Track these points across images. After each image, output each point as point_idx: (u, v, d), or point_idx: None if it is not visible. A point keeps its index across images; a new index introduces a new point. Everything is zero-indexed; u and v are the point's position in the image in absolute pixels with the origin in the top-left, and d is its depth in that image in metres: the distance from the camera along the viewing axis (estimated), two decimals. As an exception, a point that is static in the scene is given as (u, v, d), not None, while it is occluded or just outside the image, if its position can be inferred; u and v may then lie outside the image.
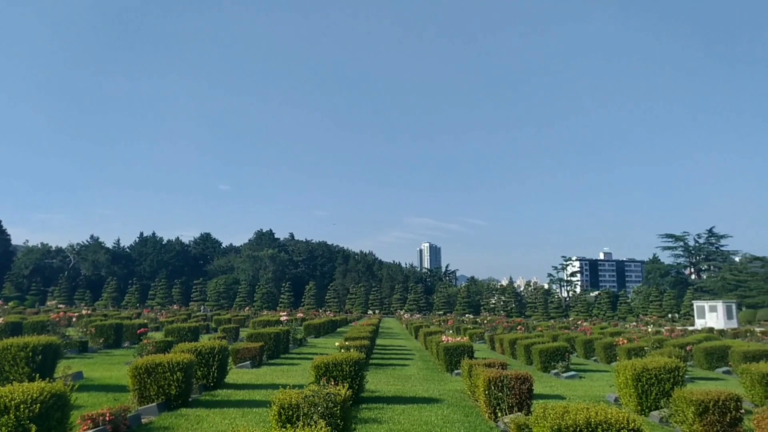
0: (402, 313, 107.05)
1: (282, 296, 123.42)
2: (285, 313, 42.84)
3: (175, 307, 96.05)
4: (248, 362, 19.89)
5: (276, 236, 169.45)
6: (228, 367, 15.97)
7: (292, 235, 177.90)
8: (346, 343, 19.49)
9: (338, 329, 50.72)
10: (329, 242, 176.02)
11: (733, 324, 66.74)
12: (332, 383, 10.64)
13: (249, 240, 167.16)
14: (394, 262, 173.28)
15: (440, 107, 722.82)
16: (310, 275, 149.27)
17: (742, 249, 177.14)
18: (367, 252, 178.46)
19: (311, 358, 13.52)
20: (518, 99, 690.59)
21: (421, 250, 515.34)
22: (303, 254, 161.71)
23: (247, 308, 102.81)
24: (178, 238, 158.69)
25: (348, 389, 9.10)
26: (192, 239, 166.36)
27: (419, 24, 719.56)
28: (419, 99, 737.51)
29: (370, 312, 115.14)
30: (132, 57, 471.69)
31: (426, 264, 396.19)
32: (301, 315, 50.15)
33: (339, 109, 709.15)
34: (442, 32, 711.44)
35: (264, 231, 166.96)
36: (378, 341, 36.39)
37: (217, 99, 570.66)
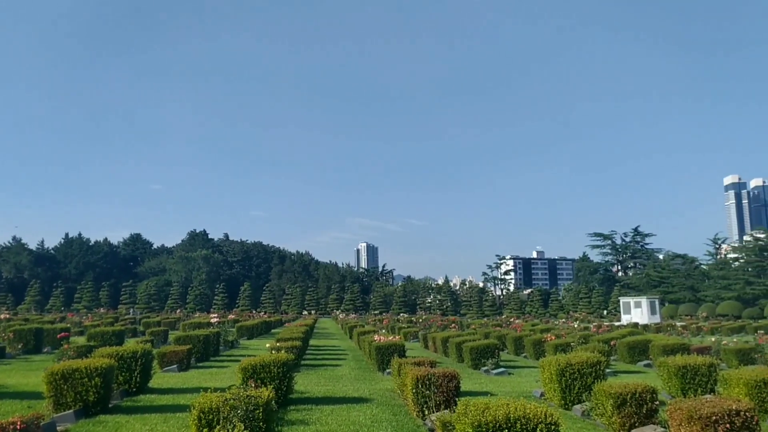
0: (338, 313, 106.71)
1: (216, 298, 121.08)
2: (216, 315, 41.98)
3: (102, 310, 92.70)
4: (175, 366, 19.35)
5: (210, 237, 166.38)
6: (152, 372, 15.46)
7: (226, 236, 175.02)
8: (278, 344, 19.22)
9: (272, 330, 50.10)
10: (265, 242, 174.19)
11: (656, 319, 69.51)
12: (259, 385, 10.44)
13: (182, 241, 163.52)
14: (331, 262, 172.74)
15: (381, 108, 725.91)
16: (245, 276, 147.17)
17: (664, 247, 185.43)
18: (304, 252, 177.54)
19: (241, 360, 13.23)
20: (455, 104, 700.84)
21: (358, 250, 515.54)
22: (238, 255, 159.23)
23: (179, 311, 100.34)
24: (106, 239, 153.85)
25: (272, 391, 8.92)
26: (121, 240, 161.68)
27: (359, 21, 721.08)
28: (361, 99, 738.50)
29: (306, 312, 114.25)
30: (62, 49, 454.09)
31: (363, 264, 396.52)
32: (234, 316, 49.23)
33: (275, 108, 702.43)
34: (390, 33, 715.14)
35: (197, 231, 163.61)
36: (312, 342, 36.12)
37: (147, 95, 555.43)
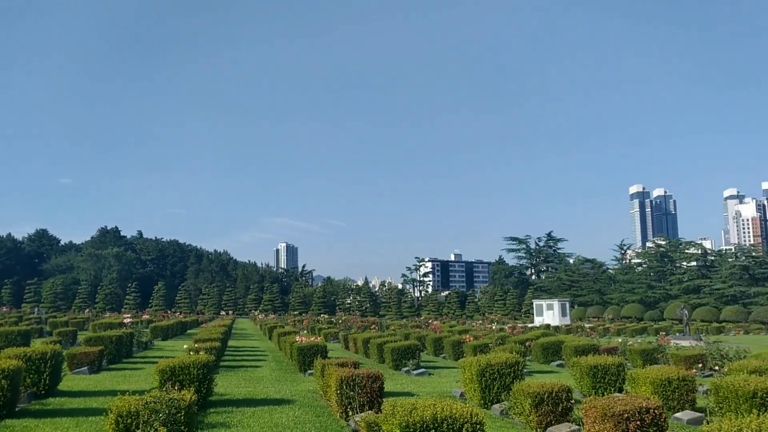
0: (257, 313, 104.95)
1: (128, 297, 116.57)
2: (129, 315, 40.42)
3: (4, 309, 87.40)
4: (86, 368, 18.50)
5: (123, 234, 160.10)
6: (62, 374, 14.75)
7: (140, 233, 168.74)
8: (196, 345, 18.74)
9: (188, 331, 48.78)
10: (182, 241, 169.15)
11: (567, 321, 72.26)
12: (178, 388, 10.15)
13: (91, 238, 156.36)
14: (249, 261, 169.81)
15: (301, 107, 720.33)
16: (159, 275, 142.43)
17: (575, 252, 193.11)
18: (222, 251, 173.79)
19: (157, 362, 12.80)
20: (379, 103, 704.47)
21: (278, 250, 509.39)
22: (152, 253, 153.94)
23: (88, 310, 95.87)
24: (9, 234, 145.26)
25: (194, 393, 8.72)
26: (26, 236, 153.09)
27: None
28: (284, 96, 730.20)
29: (223, 313, 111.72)
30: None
31: (283, 264, 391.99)
32: (148, 317, 47.60)
33: (192, 101, 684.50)
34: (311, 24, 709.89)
35: (109, 228, 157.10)
36: (231, 343, 35.42)
37: (62, 86, 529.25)
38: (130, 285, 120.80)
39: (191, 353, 15.99)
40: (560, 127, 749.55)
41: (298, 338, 21.90)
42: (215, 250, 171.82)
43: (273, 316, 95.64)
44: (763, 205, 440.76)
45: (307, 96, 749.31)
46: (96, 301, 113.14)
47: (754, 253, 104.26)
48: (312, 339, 21.61)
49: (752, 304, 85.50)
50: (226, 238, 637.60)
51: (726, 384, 10.95)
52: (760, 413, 7.69)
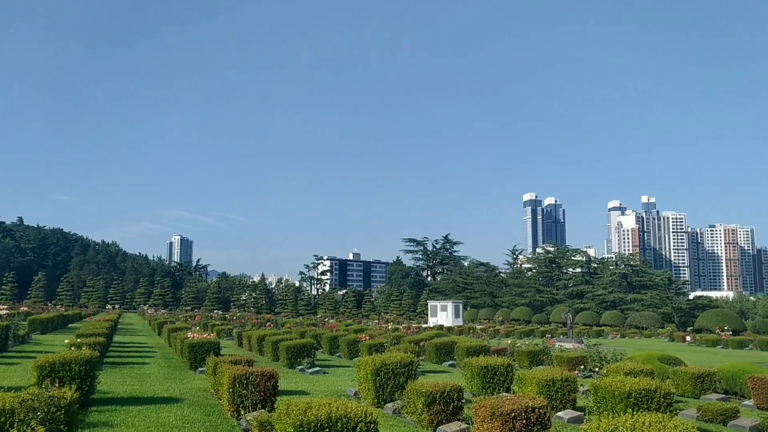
0: (146, 308, 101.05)
1: (4, 287, 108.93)
2: (6, 307, 37.78)
3: None
4: (-47, 363, 17.12)
5: (0, 220, 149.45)
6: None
7: (21, 220, 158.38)
8: (78, 340, 17.78)
9: (70, 325, 46.32)
10: (66, 230, 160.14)
11: (459, 322, 74.25)
12: (58, 385, 9.57)
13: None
14: (140, 254, 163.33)
15: (206, 97, 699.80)
16: (40, 265, 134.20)
17: (471, 255, 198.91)
18: (111, 242, 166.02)
19: (35, 357, 12.03)
20: (284, 98, 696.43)
21: (171, 243, 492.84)
22: (33, 241, 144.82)
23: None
24: None
25: (75, 391, 8.26)
26: None
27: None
28: (186, 82, 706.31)
29: (109, 307, 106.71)
30: None
31: (176, 258, 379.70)
32: (26, 309, 44.68)
33: (92, 84, 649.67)
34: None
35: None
36: (117, 338, 33.89)
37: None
38: (7, 274, 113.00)
39: (73, 348, 15.17)
40: (464, 133, 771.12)
41: (189, 334, 21.23)
42: (103, 241, 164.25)
43: (163, 311, 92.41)
44: (642, 218, 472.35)
45: (212, 86, 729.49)
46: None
47: (632, 263, 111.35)
48: (204, 336, 21.02)
49: (629, 310, 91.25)
50: (117, 228, 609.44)
51: (604, 385, 11.62)
52: (634, 412, 8.22)
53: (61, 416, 7.38)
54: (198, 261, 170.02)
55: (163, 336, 34.48)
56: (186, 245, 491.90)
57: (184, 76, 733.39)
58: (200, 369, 18.72)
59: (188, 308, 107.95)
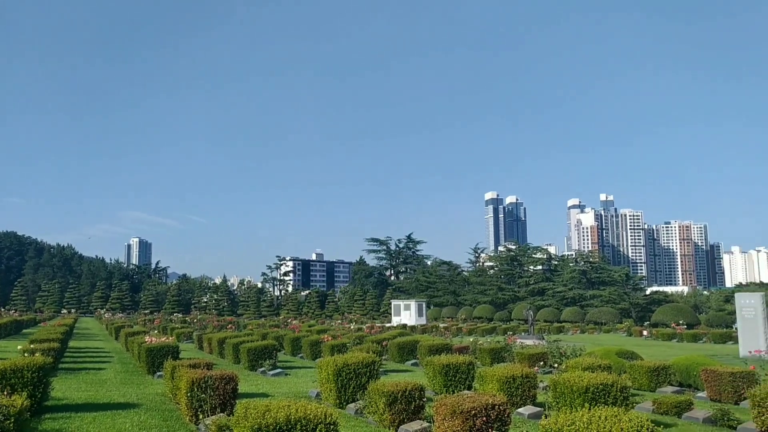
0: (103, 312, 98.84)
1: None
2: (-45, 313, 36.56)
3: None
4: None
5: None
6: None
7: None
8: (32, 346, 17.26)
9: (24, 330, 45.14)
10: (20, 233, 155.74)
11: (423, 321, 74.48)
12: (9, 393, 9.28)
13: None
14: (97, 257, 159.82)
15: (166, 96, 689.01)
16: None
17: (433, 254, 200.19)
18: (66, 245, 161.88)
19: (-15, 365, 11.63)
20: (247, 96, 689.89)
21: (129, 245, 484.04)
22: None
23: None
24: None
25: (27, 398, 8.01)
26: None
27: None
28: (147, 82, 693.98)
29: (65, 311, 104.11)
30: None
31: (135, 260, 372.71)
32: (-23, 315, 43.31)
33: (40, 87, 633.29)
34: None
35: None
36: (72, 343, 33.06)
37: None
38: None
39: (26, 354, 14.74)
40: (427, 133, 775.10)
41: (147, 338, 20.86)
42: (58, 244, 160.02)
43: (121, 315, 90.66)
44: (601, 215, 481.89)
45: (168, 86, 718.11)
46: None
47: (591, 259, 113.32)
48: (163, 339, 20.65)
49: (588, 306, 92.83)
50: (73, 231, 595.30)
51: (563, 380, 11.77)
52: (592, 406, 8.34)
53: (11, 425, 7.15)
54: (157, 263, 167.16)
55: (120, 340, 33.78)
56: (145, 247, 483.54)
57: (144, 74, 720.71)
58: (158, 373, 18.38)
59: (147, 312, 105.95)
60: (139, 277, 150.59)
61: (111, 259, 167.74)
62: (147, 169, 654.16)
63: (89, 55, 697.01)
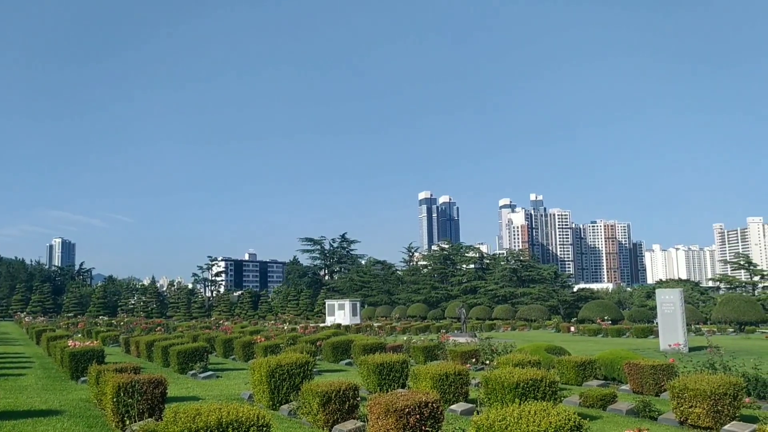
0: (23, 315, 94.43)
1: None
2: None
3: None
4: None
5: None
6: None
7: None
8: (-57, 353, 16.33)
9: (-65, 337, 42.60)
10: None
11: (357, 320, 74.54)
12: None
13: None
14: (16, 258, 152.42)
15: (101, 96, 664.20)
16: None
17: (368, 253, 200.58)
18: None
19: None
20: (174, 96, 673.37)
21: (51, 246, 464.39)
22: None
23: None
24: None
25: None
26: None
27: None
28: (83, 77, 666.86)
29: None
30: None
31: (57, 261, 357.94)
32: None
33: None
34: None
35: None
36: (-11, 349, 31.47)
37: None
38: None
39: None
40: (362, 134, 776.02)
41: (71, 342, 20.02)
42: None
43: (43, 318, 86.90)
44: (531, 214, 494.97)
45: (111, 84, 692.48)
46: None
47: (521, 258, 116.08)
48: (87, 343, 19.89)
49: (519, 303, 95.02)
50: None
51: (494, 376, 12.00)
52: (522, 401, 8.53)
53: None
54: (81, 264, 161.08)
55: (41, 345, 32.33)
56: (68, 248, 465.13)
57: (61, 70, 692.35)
58: (82, 379, 17.70)
59: (71, 315, 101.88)
60: (62, 278, 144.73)
61: (32, 261, 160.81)
62: (68, 168, 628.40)
63: (26, 49, 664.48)
